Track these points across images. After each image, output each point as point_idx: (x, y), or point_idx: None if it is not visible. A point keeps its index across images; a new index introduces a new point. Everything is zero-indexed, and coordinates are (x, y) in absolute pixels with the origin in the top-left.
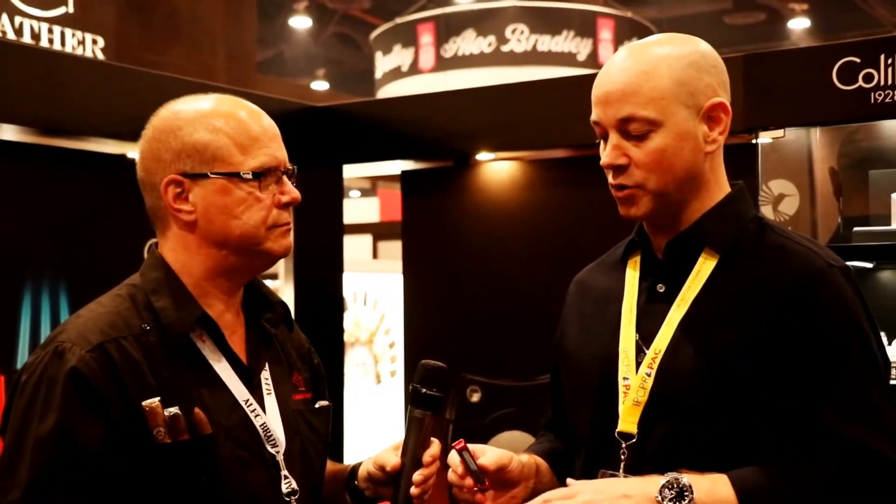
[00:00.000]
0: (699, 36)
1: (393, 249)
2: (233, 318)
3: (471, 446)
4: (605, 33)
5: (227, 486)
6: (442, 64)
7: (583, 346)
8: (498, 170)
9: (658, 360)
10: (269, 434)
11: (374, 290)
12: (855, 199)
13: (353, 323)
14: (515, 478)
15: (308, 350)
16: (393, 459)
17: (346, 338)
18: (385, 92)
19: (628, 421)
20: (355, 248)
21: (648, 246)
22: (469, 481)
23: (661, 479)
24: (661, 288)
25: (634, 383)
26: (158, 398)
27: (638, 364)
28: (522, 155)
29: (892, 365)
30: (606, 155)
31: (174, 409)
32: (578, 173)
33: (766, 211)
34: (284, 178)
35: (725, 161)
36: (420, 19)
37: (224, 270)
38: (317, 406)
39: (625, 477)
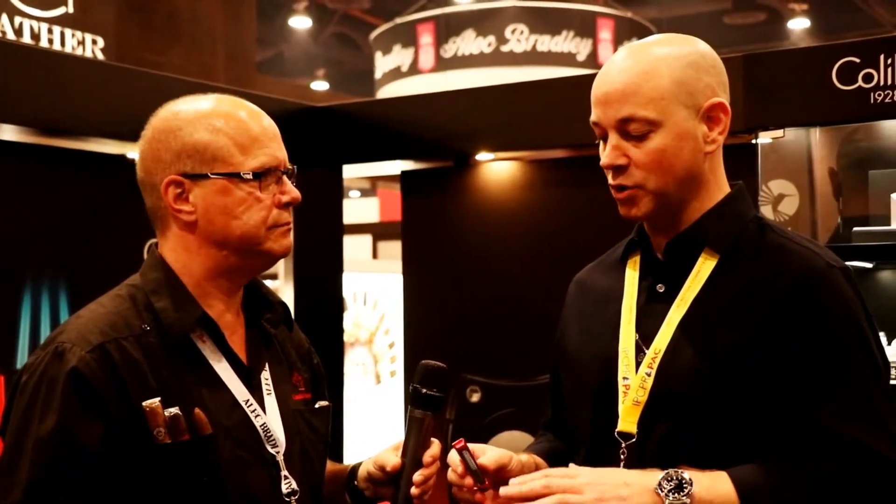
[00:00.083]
0: (699, 36)
1: (393, 249)
2: (233, 319)
3: (470, 446)
4: (605, 33)
5: (228, 487)
6: (442, 64)
7: (583, 345)
8: (498, 170)
9: (658, 360)
10: (269, 434)
11: (373, 291)
12: (855, 199)
13: (353, 323)
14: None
15: (308, 350)
16: (393, 459)
17: (345, 338)
18: (385, 92)
19: (628, 421)
20: (355, 248)
21: (648, 246)
22: (469, 481)
23: (660, 473)
24: (660, 288)
25: (634, 383)
26: (159, 398)
27: (638, 364)
28: (522, 155)
29: (892, 365)
30: (606, 155)
31: (174, 410)
32: (578, 173)
33: (766, 211)
34: (284, 178)
35: (725, 161)
36: (420, 19)
37: (224, 271)
38: (317, 406)
39: None
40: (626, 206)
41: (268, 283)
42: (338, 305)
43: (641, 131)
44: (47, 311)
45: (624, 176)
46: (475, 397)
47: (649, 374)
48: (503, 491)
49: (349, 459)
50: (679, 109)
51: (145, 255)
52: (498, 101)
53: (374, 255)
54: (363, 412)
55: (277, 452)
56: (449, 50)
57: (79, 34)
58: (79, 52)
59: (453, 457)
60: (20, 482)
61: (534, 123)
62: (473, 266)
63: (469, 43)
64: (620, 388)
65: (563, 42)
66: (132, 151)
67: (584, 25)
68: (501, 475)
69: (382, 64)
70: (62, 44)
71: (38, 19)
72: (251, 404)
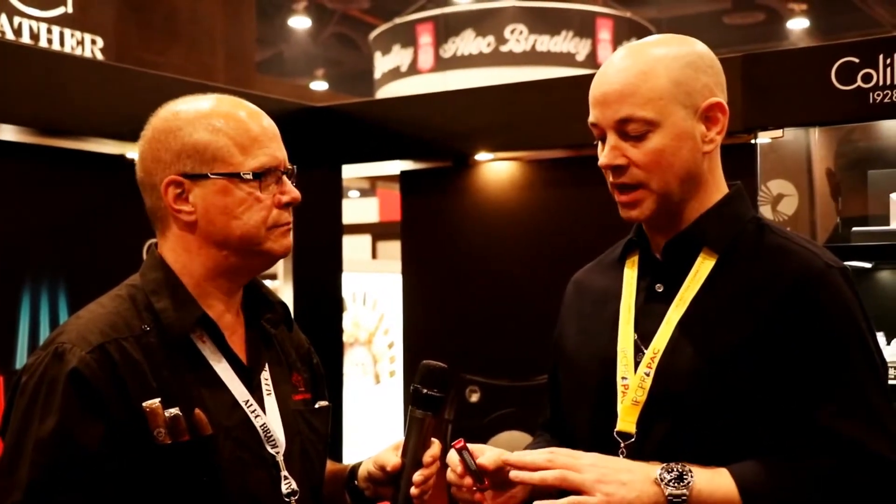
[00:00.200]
0: (698, 36)
1: (392, 249)
2: (233, 319)
3: (470, 446)
4: (604, 33)
5: (228, 487)
6: (441, 64)
7: (581, 345)
8: (497, 170)
9: (657, 360)
10: (269, 434)
11: (373, 291)
12: (854, 199)
13: (353, 323)
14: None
15: (308, 350)
16: (393, 459)
17: (345, 338)
18: (384, 92)
19: (627, 420)
20: (354, 248)
21: (647, 246)
22: (468, 481)
23: (662, 465)
24: (659, 288)
25: (633, 383)
26: (159, 399)
27: (636, 364)
28: (521, 155)
29: (890, 365)
30: (605, 156)
31: (175, 410)
32: (577, 173)
33: (765, 211)
34: (284, 178)
35: (724, 161)
36: (419, 19)
37: (224, 271)
38: (316, 406)
39: None
40: (627, 209)
41: (267, 283)
42: (337, 305)
43: (640, 131)
44: (46, 311)
45: (624, 175)
46: (474, 397)
47: (648, 374)
48: (506, 458)
49: (348, 459)
50: (677, 109)
51: (145, 256)
52: (497, 102)
53: (374, 255)
54: (362, 412)
55: (277, 453)
56: (448, 50)
57: (78, 34)
58: (78, 52)
59: (453, 457)
60: (20, 483)
61: (533, 123)
62: (473, 266)
63: (468, 43)
64: (619, 388)
65: (563, 42)
66: (132, 151)
67: (584, 25)
68: (501, 475)
69: (382, 64)
70: (61, 44)
71: (38, 19)
72: (251, 405)
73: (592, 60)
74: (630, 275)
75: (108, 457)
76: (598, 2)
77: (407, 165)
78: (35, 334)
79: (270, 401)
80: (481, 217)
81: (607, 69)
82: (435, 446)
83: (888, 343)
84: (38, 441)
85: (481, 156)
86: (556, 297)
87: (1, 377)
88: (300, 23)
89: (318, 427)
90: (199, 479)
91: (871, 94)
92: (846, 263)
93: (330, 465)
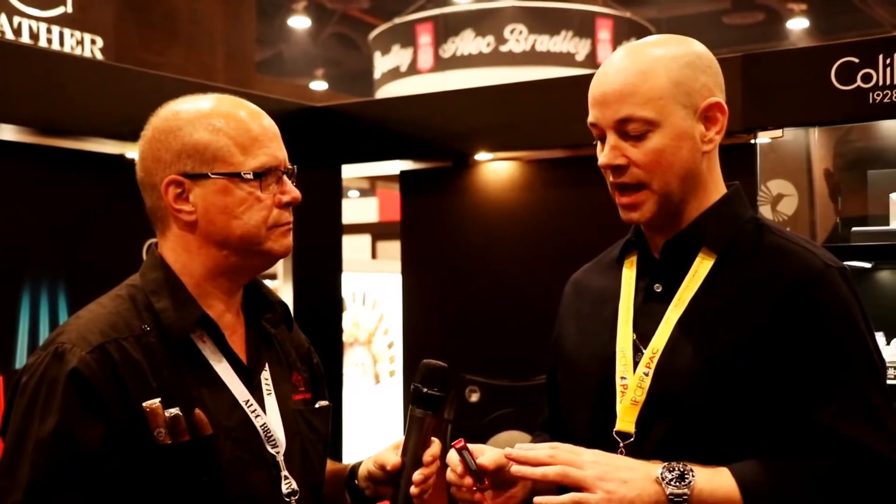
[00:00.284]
0: (698, 36)
1: (392, 249)
2: (233, 319)
3: (470, 446)
4: (604, 33)
5: (228, 487)
6: (440, 64)
7: (580, 345)
8: (497, 170)
9: (655, 360)
10: (269, 434)
11: (372, 290)
12: (853, 199)
13: (352, 323)
14: (514, 477)
15: (308, 350)
16: (393, 459)
17: (344, 338)
18: (384, 92)
19: (626, 420)
20: (354, 248)
21: (645, 246)
22: (468, 480)
23: (662, 465)
24: (658, 288)
25: (632, 383)
26: (159, 399)
27: (635, 364)
28: (521, 155)
29: (889, 365)
30: (605, 156)
31: (175, 410)
32: (577, 173)
33: (765, 211)
34: (285, 177)
35: (724, 161)
36: (419, 19)
37: (224, 270)
38: (316, 406)
39: None
40: (628, 211)
41: (267, 283)
42: (337, 305)
43: (640, 131)
44: (46, 311)
45: (625, 175)
46: (474, 397)
47: (647, 374)
48: (508, 452)
49: (348, 459)
50: (677, 109)
51: (145, 256)
52: (497, 101)
53: (374, 255)
54: (362, 412)
55: (277, 453)
56: (448, 50)
57: (78, 34)
58: (78, 52)
59: (452, 456)
60: (21, 483)
61: (532, 123)
62: (472, 266)
63: (468, 43)
64: (618, 388)
65: (562, 42)
66: (131, 151)
67: (583, 25)
68: (501, 475)
69: (381, 64)
70: (61, 44)
71: (37, 19)
72: (251, 404)
73: (592, 60)
74: (629, 275)
75: (109, 457)
76: (597, 2)
77: (407, 165)
78: (35, 334)
79: (270, 401)
80: (481, 217)
81: (607, 69)
82: (435, 445)
83: (888, 343)
84: (39, 441)
85: (481, 156)
86: (556, 297)
87: (1, 377)
88: (300, 23)
89: (319, 427)
90: (200, 479)
91: (870, 94)
92: (846, 263)
93: (330, 464)
